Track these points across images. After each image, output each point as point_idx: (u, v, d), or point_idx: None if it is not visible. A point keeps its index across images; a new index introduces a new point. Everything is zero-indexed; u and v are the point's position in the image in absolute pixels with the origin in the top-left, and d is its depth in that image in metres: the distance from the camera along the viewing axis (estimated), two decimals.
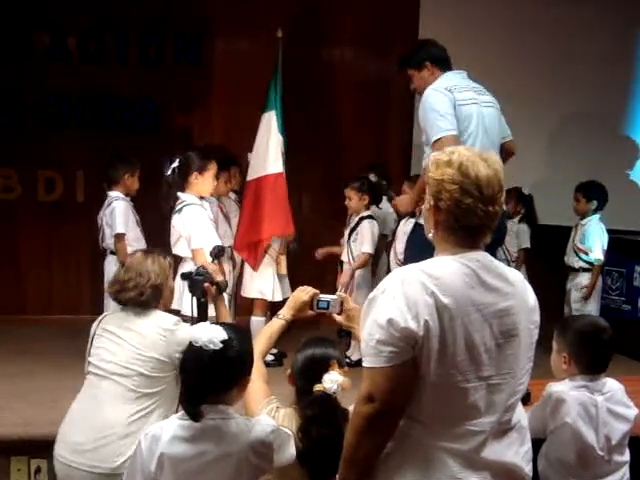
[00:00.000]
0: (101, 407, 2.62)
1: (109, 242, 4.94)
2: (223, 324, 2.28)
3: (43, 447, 3.11)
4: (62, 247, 6.32)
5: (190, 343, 2.16)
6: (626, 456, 2.74)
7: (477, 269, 1.84)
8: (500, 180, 1.88)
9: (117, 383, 2.63)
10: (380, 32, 6.35)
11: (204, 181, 4.20)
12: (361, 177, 5.25)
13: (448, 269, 1.83)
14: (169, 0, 6.19)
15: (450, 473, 1.79)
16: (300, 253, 5.48)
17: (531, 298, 1.95)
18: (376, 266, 5.39)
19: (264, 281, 5.05)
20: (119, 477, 2.48)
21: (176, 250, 4.13)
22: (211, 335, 2.11)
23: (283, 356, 4.84)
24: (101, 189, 5.12)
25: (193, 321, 2.83)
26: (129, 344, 2.67)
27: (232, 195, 5.59)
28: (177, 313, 3.29)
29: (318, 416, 2.18)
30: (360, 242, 5.10)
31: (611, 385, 2.77)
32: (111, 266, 4.86)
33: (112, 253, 4.94)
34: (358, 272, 5.14)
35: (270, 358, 4.51)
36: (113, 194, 4.96)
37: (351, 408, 2.13)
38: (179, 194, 4.18)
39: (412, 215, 3.89)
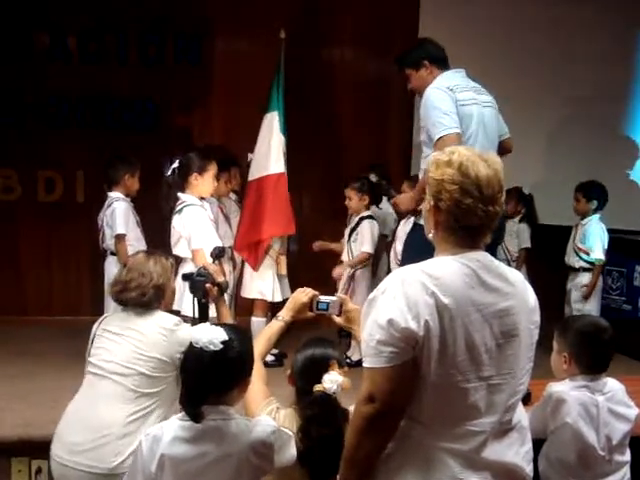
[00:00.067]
0: (99, 407, 2.61)
1: (109, 243, 4.94)
2: (223, 325, 2.28)
3: (44, 448, 3.09)
4: (62, 248, 6.32)
5: (190, 344, 2.16)
6: (627, 456, 2.74)
7: (477, 269, 1.84)
8: (500, 180, 1.88)
9: (116, 383, 2.63)
10: (380, 32, 6.35)
11: (204, 182, 4.20)
12: (361, 177, 5.26)
13: (448, 269, 1.83)
14: (169, 0, 6.19)
15: (451, 473, 1.79)
16: (300, 253, 5.48)
17: (531, 298, 1.95)
18: (376, 266, 5.39)
19: (264, 282, 5.06)
20: (117, 477, 2.49)
21: (176, 251, 4.13)
22: (211, 336, 2.11)
23: (283, 356, 4.84)
24: (101, 189, 5.12)
25: (194, 322, 2.83)
26: (130, 344, 2.66)
27: (232, 196, 5.59)
28: (177, 314, 3.29)
29: (318, 416, 2.18)
30: (360, 242, 5.11)
31: (612, 385, 2.76)
32: (111, 267, 4.86)
33: (112, 254, 4.94)
34: (358, 272, 5.14)
35: (270, 358, 4.51)
36: (113, 195, 4.96)
37: (351, 408, 2.14)
38: (179, 195, 4.18)
39: (413, 214, 3.88)
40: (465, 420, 1.80)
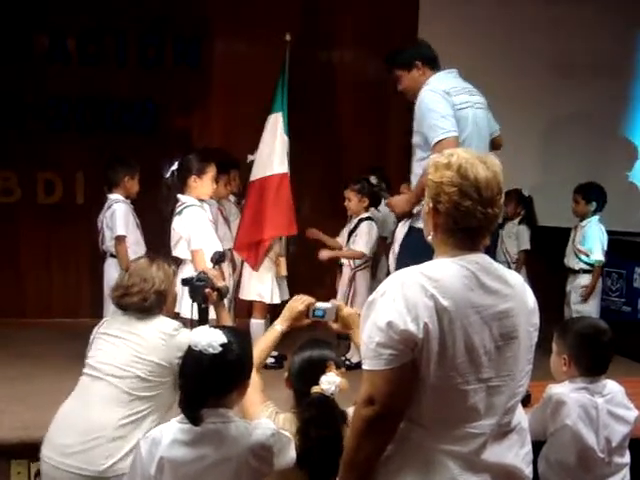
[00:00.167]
0: (92, 409, 2.60)
1: (109, 245, 4.94)
2: (222, 327, 2.27)
3: None
4: (62, 250, 6.31)
5: (189, 347, 2.15)
6: (626, 458, 2.74)
7: (476, 271, 1.84)
8: (499, 182, 1.88)
9: (111, 385, 2.61)
10: (380, 32, 6.35)
11: (203, 184, 4.20)
12: (361, 179, 5.25)
13: (447, 271, 1.83)
14: (168, 2, 6.19)
15: (450, 476, 1.79)
16: (300, 255, 5.47)
17: (530, 300, 1.96)
18: (376, 269, 5.39)
19: (263, 284, 5.05)
20: None
21: (176, 252, 4.14)
22: (210, 339, 2.11)
23: (283, 359, 4.83)
24: (101, 191, 5.12)
25: (193, 326, 2.82)
26: (129, 347, 2.66)
27: (231, 198, 5.59)
28: (176, 315, 3.29)
29: (316, 418, 2.18)
30: (357, 242, 5.10)
31: (611, 387, 2.76)
32: (111, 269, 4.87)
33: (112, 256, 4.94)
34: (358, 274, 5.14)
35: (270, 360, 4.51)
36: (113, 197, 4.96)
37: (349, 410, 2.14)
38: (179, 196, 4.18)
39: (409, 217, 3.87)
40: (464, 422, 1.80)
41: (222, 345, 2.11)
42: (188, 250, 4.08)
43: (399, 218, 4.13)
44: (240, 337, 2.24)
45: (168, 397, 2.66)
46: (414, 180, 3.84)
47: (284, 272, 5.14)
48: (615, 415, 2.71)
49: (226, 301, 3.24)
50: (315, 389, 2.19)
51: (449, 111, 3.58)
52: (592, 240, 5.20)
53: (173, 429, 2.13)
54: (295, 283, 5.30)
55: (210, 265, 3.54)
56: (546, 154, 6.36)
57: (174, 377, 2.60)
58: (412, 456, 1.82)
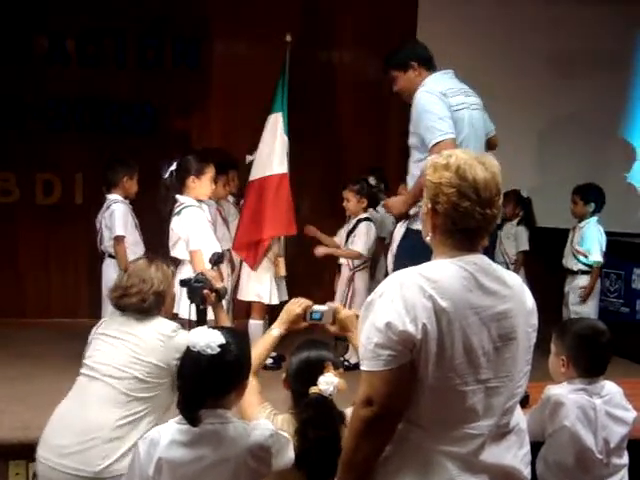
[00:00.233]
0: (89, 409, 2.59)
1: (107, 245, 4.94)
2: (221, 328, 2.27)
3: None
4: (60, 250, 6.31)
5: (188, 348, 2.15)
6: (625, 459, 2.74)
7: (475, 272, 1.84)
8: (498, 183, 1.88)
9: (109, 385, 2.60)
10: (380, 33, 6.35)
11: (201, 184, 4.20)
12: (360, 179, 5.25)
13: (446, 272, 1.83)
14: (168, 3, 6.19)
15: (449, 476, 1.79)
16: (299, 255, 5.47)
17: (529, 301, 1.96)
18: (374, 269, 5.38)
19: (261, 284, 5.05)
20: None
21: (174, 252, 4.14)
22: (209, 339, 2.11)
23: (282, 359, 4.83)
24: (99, 192, 5.13)
25: (192, 327, 2.81)
26: (127, 347, 2.65)
27: (230, 198, 5.59)
28: (174, 316, 3.28)
29: (314, 418, 2.18)
30: (354, 242, 5.10)
31: (609, 388, 2.76)
32: (109, 269, 4.87)
33: (110, 256, 4.94)
34: (357, 275, 5.14)
35: (269, 361, 4.51)
36: (112, 197, 4.96)
37: (347, 410, 2.14)
38: (177, 197, 4.18)
39: (406, 218, 3.86)
40: (463, 423, 1.80)
41: (220, 346, 2.10)
42: (187, 250, 4.08)
43: (397, 219, 4.13)
44: (238, 338, 2.23)
45: (165, 398, 2.66)
46: (410, 181, 3.84)
47: (283, 272, 5.13)
48: (613, 416, 2.71)
49: (224, 302, 3.24)
50: (313, 390, 2.19)
51: (446, 113, 3.57)
52: (590, 241, 5.20)
53: (171, 430, 2.12)
54: (294, 283, 5.31)
55: (208, 266, 3.53)
56: (545, 155, 6.36)
57: (172, 378, 2.60)
58: (411, 457, 1.82)
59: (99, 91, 6.19)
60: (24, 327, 5.90)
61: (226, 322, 3.06)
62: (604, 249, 5.22)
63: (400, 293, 1.78)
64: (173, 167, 4.19)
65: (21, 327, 5.88)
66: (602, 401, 2.70)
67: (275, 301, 5.03)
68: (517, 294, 1.91)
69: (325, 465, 2.08)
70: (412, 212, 3.83)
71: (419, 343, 1.75)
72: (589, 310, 5.20)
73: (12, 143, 6.11)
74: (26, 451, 3.42)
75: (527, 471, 1.93)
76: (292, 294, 5.14)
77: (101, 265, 5.04)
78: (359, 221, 5.15)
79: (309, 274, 5.93)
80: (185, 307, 3.10)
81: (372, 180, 5.48)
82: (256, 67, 6.09)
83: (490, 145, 3.87)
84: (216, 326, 2.53)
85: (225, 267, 4.62)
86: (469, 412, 1.80)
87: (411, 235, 3.80)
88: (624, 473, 2.73)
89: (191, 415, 2.09)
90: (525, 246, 5.87)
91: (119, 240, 4.85)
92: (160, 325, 2.72)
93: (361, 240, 5.08)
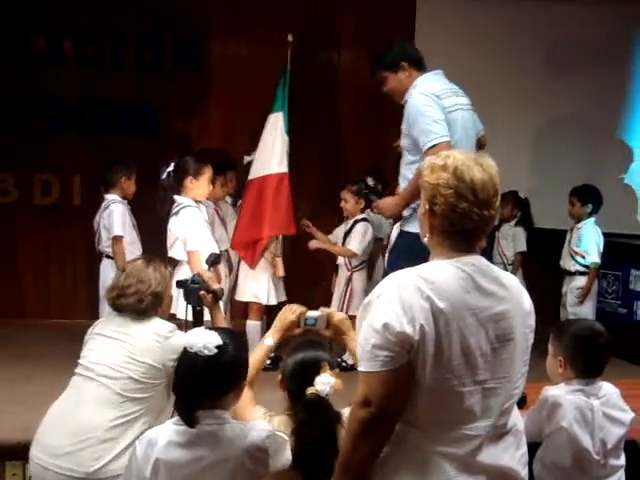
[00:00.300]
0: (83, 409, 2.58)
1: (105, 245, 4.95)
2: (217, 329, 2.27)
3: None
4: (59, 251, 6.31)
5: (185, 349, 2.15)
6: (622, 460, 2.74)
7: (472, 273, 1.85)
8: (495, 184, 1.88)
9: (103, 385, 2.59)
10: (380, 33, 6.35)
11: (199, 185, 4.20)
12: (359, 180, 5.25)
13: (444, 273, 1.83)
14: (168, 3, 6.18)
15: (446, 477, 1.79)
16: (297, 255, 5.47)
17: (526, 302, 1.96)
18: (372, 270, 5.39)
19: (259, 285, 5.05)
20: None
21: (172, 253, 4.14)
22: (205, 340, 2.10)
23: (279, 360, 4.83)
24: (98, 192, 5.13)
25: (188, 327, 2.81)
26: (122, 347, 2.64)
27: (228, 199, 5.59)
28: (172, 317, 3.28)
29: (311, 419, 2.18)
30: (350, 242, 5.11)
31: (607, 389, 2.76)
32: (107, 270, 4.87)
33: (108, 257, 4.95)
34: (355, 276, 5.14)
35: (266, 362, 4.50)
36: (110, 197, 4.97)
37: (344, 411, 2.14)
38: (175, 197, 4.18)
39: (400, 219, 3.86)
40: (460, 424, 1.81)
41: (217, 347, 2.10)
42: (184, 251, 4.08)
43: (395, 220, 4.13)
44: (235, 338, 2.23)
45: (160, 399, 2.65)
46: (402, 183, 3.82)
47: (281, 273, 5.13)
48: (611, 417, 2.71)
49: (222, 303, 3.24)
50: (310, 390, 2.19)
51: (440, 115, 3.56)
52: (588, 242, 5.21)
53: (168, 431, 2.12)
54: (292, 284, 5.32)
55: (205, 267, 3.53)
56: (543, 156, 6.36)
57: (167, 379, 2.60)
58: (408, 458, 1.82)
59: (98, 91, 6.19)
60: (23, 328, 5.89)
61: (223, 323, 3.05)
62: (601, 250, 5.23)
63: (397, 294, 1.78)
64: (171, 168, 4.19)
65: (20, 328, 5.87)
66: (599, 402, 2.70)
67: (273, 302, 5.03)
68: (515, 295, 1.92)
69: (322, 465, 2.08)
70: (406, 214, 3.83)
71: (416, 344, 1.75)
72: (587, 311, 5.20)
73: (10, 143, 6.10)
74: (23, 452, 3.40)
75: (524, 472, 1.93)
76: (291, 294, 5.20)
77: (99, 265, 5.04)
78: (356, 222, 5.16)
79: (308, 275, 5.93)
80: (183, 308, 3.10)
81: (371, 181, 5.47)
82: (256, 67, 6.09)
83: (479, 145, 3.86)
84: (213, 327, 2.53)
85: (223, 268, 4.63)
86: (467, 413, 1.81)
87: (404, 237, 3.80)
88: (621, 474, 2.73)
89: (188, 416, 2.08)
90: (523, 247, 5.87)
91: (117, 240, 4.86)
92: (157, 326, 2.71)
93: (356, 240, 5.08)
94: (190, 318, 2.95)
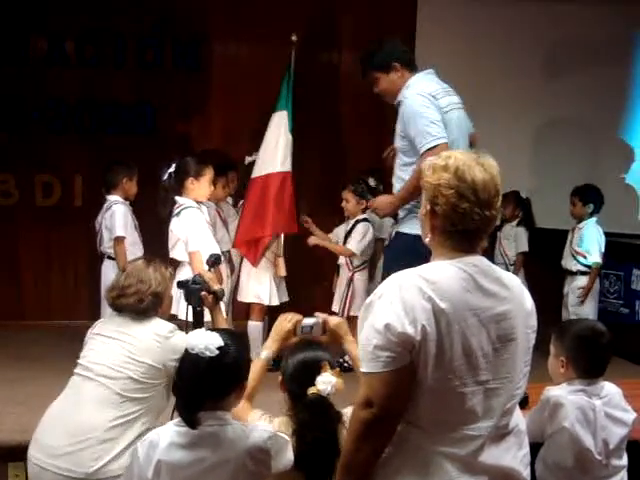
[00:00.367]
0: (82, 409, 2.57)
1: (106, 246, 4.95)
2: (219, 330, 2.27)
3: None
4: (60, 252, 6.30)
5: (186, 350, 2.15)
6: (624, 460, 2.74)
7: (474, 273, 1.84)
8: (496, 184, 1.88)
9: (103, 385, 2.59)
10: (381, 33, 6.34)
11: (200, 186, 4.20)
12: (360, 180, 5.25)
13: (445, 274, 1.83)
14: (168, 3, 6.18)
15: (448, 478, 1.79)
16: (298, 254, 5.47)
17: (528, 302, 1.96)
18: (373, 270, 5.38)
19: (261, 285, 5.04)
20: None
21: (173, 254, 4.14)
22: (207, 342, 2.10)
23: (280, 360, 4.82)
24: (99, 193, 5.13)
25: (188, 328, 2.81)
26: (122, 347, 2.64)
27: (229, 199, 5.59)
28: (174, 318, 3.28)
29: (313, 419, 2.17)
30: (349, 241, 5.10)
31: (609, 389, 2.76)
32: (108, 271, 4.86)
33: (109, 258, 4.95)
34: (357, 276, 5.13)
35: None
36: (112, 198, 4.97)
37: (344, 411, 2.14)
38: (177, 198, 4.18)
39: (395, 220, 3.86)
40: (462, 424, 1.80)
41: (219, 348, 2.10)
42: (186, 252, 4.08)
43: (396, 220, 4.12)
44: (237, 340, 2.23)
45: (160, 400, 2.65)
46: (397, 184, 3.81)
47: (283, 272, 5.13)
48: (613, 417, 2.71)
49: (223, 304, 3.23)
50: (312, 390, 2.18)
51: (437, 116, 3.54)
52: (590, 242, 5.21)
53: (170, 432, 2.12)
54: (295, 284, 5.31)
55: (206, 268, 3.53)
56: (544, 156, 6.36)
57: (167, 380, 2.60)
58: (410, 458, 1.82)
59: (99, 92, 6.18)
60: (24, 329, 5.90)
61: (223, 324, 3.04)
62: (603, 250, 5.23)
63: (399, 295, 1.78)
64: (172, 169, 4.19)
65: (21, 329, 5.88)
66: (601, 402, 2.70)
67: (275, 302, 5.03)
68: (516, 295, 1.91)
69: (324, 466, 2.08)
70: (401, 215, 3.82)
71: (418, 344, 1.75)
72: (588, 311, 5.20)
73: (11, 145, 6.10)
74: (25, 453, 3.41)
75: (526, 472, 1.93)
76: (293, 294, 5.19)
77: (100, 266, 5.04)
78: (357, 222, 5.15)
79: (309, 275, 5.93)
80: (184, 309, 3.10)
81: (372, 181, 5.48)
82: (256, 68, 6.10)
83: (471, 143, 3.84)
84: (214, 328, 2.53)
85: (225, 268, 4.62)
86: (468, 413, 1.80)
87: (399, 238, 3.79)
88: (623, 474, 2.73)
89: (190, 417, 2.09)
90: (524, 247, 5.87)
91: (119, 241, 4.86)
92: (157, 326, 2.71)
93: (355, 240, 5.07)
94: (190, 319, 2.95)
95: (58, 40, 6.16)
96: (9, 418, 3.80)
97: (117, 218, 4.87)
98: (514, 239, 5.87)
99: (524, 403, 2.71)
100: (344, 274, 5.18)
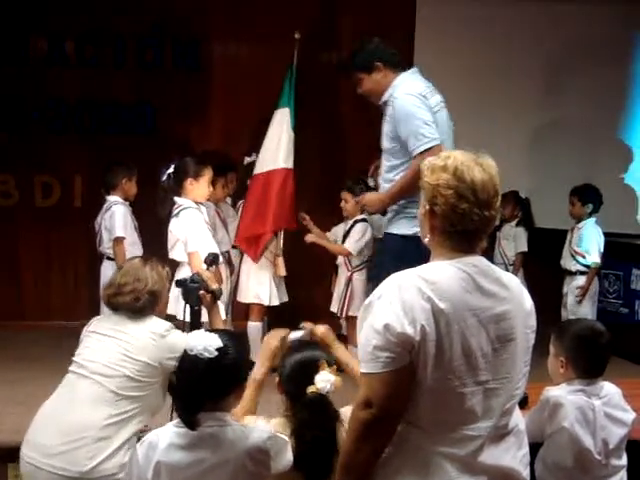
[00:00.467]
0: (77, 407, 2.56)
1: (106, 247, 4.95)
2: (218, 331, 2.27)
3: None
4: (60, 252, 6.31)
5: (185, 351, 2.15)
6: (624, 460, 2.74)
7: (473, 274, 1.85)
8: (495, 184, 1.88)
9: (98, 383, 2.57)
10: (380, 33, 6.33)
11: (199, 186, 4.20)
12: (359, 181, 5.25)
13: (444, 274, 1.83)
14: (167, 4, 6.19)
15: (448, 478, 1.79)
16: (298, 253, 5.47)
17: (527, 302, 1.96)
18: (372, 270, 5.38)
19: (261, 285, 5.04)
20: None
21: (173, 254, 4.14)
22: (206, 343, 2.10)
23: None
24: (99, 194, 5.13)
25: (186, 328, 2.81)
26: (118, 345, 2.63)
27: (229, 200, 5.59)
28: (173, 318, 3.28)
29: (312, 418, 2.17)
30: (347, 241, 5.10)
31: (608, 389, 2.76)
32: (107, 271, 4.86)
33: (109, 258, 4.95)
34: (355, 276, 5.13)
35: None
36: (112, 198, 4.97)
37: (343, 410, 2.14)
38: (176, 199, 4.18)
39: (383, 214, 3.85)
40: (462, 424, 1.80)
41: (218, 349, 2.10)
42: (185, 252, 4.08)
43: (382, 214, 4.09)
44: (236, 340, 2.23)
45: (156, 399, 2.64)
46: (385, 185, 3.80)
47: (283, 272, 5.13)
48: (612, 417, 2.71)
49: (223, 304, 3.23)
50: (311, 389, 2.18)
51: (430, 117, 3.52)
52: (589, 242, 5.21)
53: (169, 433, 2.12)
54: (294, 284, 5.31)
55: (204, 267, 3.54)
56: (543, 156, 6.36)
57: (163, 378, 2.59)
58: (410, 458, 1.82)
59: (99, 92, 6.19)
60: (23, 330, 5.90)
61: (220, 324, 3.04)
62: (602, 250, 5.23)
63: (398, 295, 1.78)
64: (171, 169, 4.19)
65: (20, 330, 5.88)
66: (601, 402, 2.70)
67: (275, 302, 5.03)
68: (515, 295, 1.91)
69: (323, 465, 2.08)
70: (389, 216, 3.80)
71: (417, 345, 1.75)
72: (586, 311, 5.21)
73: (11, 145, 6.11)
74: None
75: (526, 472, 1.93)
76: (293, 294, 5.19)
77: (100, 267, 5.04)
78: (356, 222, 5.15)
79: (308, 275, 5.93)
80: (182, 309, 3.09)
81: (371, 181, 5.47)
82: (256, 68, 6.10)
83: None
84: (214, 329, 2.53)
85: (224, 269, 4.62)
86: (468, 413, 1.80)
87: (388, 239, 3.78)
88: (623, 474, 2.73)
89: (189, 418, 2.08)
90: (524, 247, 5.87)
91: (118, 241, 4.86)
92: (153, 324, 2.70)
93: (353, 239, 5.07)
94: (187, 317, 2.95)
95: (58, 40, 6.16)
96: (9, 418, 3.81)
97: (117, 219, 4.87)
98: (513, 239, 5.87)
99: (524, 403, 2.71)
100: (343, 274, 5.18)
